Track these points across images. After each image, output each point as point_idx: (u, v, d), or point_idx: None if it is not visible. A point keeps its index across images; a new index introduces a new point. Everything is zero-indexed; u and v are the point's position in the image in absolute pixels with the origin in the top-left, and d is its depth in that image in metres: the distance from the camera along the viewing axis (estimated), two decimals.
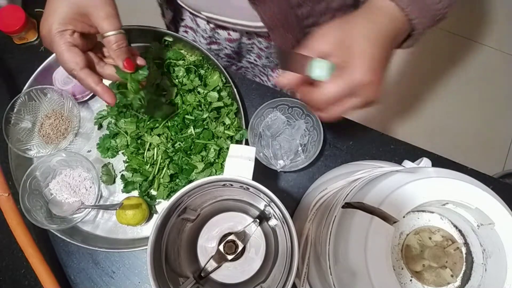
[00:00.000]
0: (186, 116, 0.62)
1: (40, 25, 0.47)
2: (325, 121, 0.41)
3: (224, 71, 0.63)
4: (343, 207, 0.45)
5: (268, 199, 0.43)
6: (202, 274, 0.50)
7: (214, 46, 0.72)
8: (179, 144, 0.61)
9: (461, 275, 0.44)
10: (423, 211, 0.47)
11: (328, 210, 0.49)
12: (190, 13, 0.66)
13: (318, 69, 0.39)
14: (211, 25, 0.65)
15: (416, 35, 0.43)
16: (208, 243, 0.53)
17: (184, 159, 0.61)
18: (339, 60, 0.39)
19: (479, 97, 1.69)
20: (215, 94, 0.62)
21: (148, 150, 0.61)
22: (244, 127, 0.63)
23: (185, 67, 0.65)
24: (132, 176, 0.61)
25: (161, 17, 0.78)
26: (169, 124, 0.62)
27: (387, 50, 0.40)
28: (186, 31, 0.73)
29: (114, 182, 0.64)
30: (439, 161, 0.65)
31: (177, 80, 0.64)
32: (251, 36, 0.67)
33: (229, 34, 0.65)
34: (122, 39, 0.47)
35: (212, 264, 0.50)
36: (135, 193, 0.62)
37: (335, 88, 0.39)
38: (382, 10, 0.40)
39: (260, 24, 0.57)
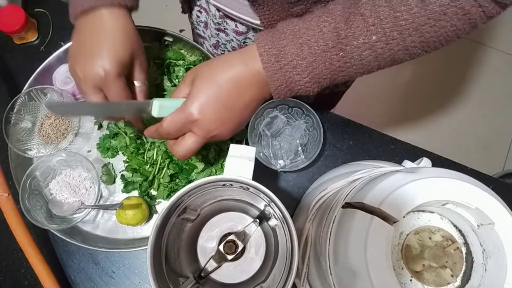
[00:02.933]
0: None
1: (82, 56, 0.46)
2: (181, 158, 0.45)
3: None
4: (343, 207, 0.45)
5: (268, 199, 0.43)
6: (202, 274, 0.50)
7: (222, 35, 0.71)
8: None
9: (461, 275, 0.44)
10: (423, 211, 0.47)
11: (328, 210, 0.49)
12: None
13: (157, 108, 0.43)
14: (220, 13, 0.65)
15: (274, 93, 0.42)
16: (208, 243, 0.53)
17: None
18: (187, 97, 0.42)
19: (479, 97, 1.69)
20: None
21: (148, 150, 0.61)
22: (244, 127, 0.63)
23: (185, 67, 0.65)
24: (132, 176, 0.61)
25: (161, 18, 0.78)
26: None
27: (234, 93, 0.41)
28: (200, 11, 0.73)
29: (114, 182, 0.64)
30: (439, 161, 0.65)
31: (177, 80, 0.64)
32: (258, 32, 0.67)
33: (236, 26, 0.65)
34: (147, 91, 0.52)
35: (212, 264, 0.50)
36: (135, 193, 0.62)
37: (169, 120, 0.42)
38: (246, 58, 0.41)
39: None
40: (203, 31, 0.78)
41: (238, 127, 0.44)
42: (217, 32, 0.72)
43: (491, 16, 0.37)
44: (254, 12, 0.53)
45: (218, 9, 0.64)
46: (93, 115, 0.45)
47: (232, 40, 0.71)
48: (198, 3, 0.71)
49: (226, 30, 0.69)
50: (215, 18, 0.68)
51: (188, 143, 0.43)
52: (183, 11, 0.74)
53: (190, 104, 0.41)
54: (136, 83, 0.51)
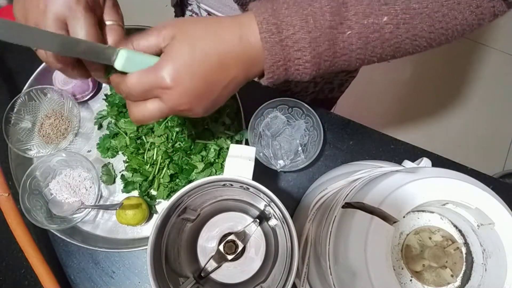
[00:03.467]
0: None
1: None
2: (135, 123, 0.38)
3: None
4: (343, 207, 0.45)
5: (268, 199, 0.43)
6: (202, 274, 0.50)
7: None
8: (179, 144, 0.61)
9: (461, 275, 0.44)
10: (423, 211, 0.47)
11: (328, 210, 0.49)
12: None
13: (123, 60, 0.36)
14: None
15: (268, 70, 0.36)
16: (208, 243, 0.53)
17: (184, 159, 0.61)
18: (162, 57, 0.36)
19: (479, 97, 1.69)
20: None
21: (148, 150, 0.61)
22: (244, 127, 0.63)
23: None
24: (132, 176, 0.61)
25: (161, 18, 0.78)
26: (169, 124, 0.62)
27: (217, 68, 0.35)
28: (192, 16, 0.73)
29: (114, 182, 0.64)
30: (439, 161, 0.65)
31: None
32: None
33: None
34: (122, 31, 0.42)
35: (212, 264, 0.50)
36: (135, 193, 0.63)
37: (135, 79, 0.35)
38: (240, 27, 0.35)
39: None
40: None
41: (212, 107, 0.38)
42: None
43: (498, 14, 0.37)
44: None
45: (209, 13, 0.64)
46: (41, 46, 0.35)
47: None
48: (189, 7, 0.71)
49: None
50: None
51: (149, 109, 0.36)
52: (176, 15, 0.75)
53: (164, 66, 0.34)
54: (108, 22, 0.41)
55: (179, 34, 0.35)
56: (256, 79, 0.39)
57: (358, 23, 0.35)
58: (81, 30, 0.36)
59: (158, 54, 0.37)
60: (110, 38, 0.40)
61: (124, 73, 0.37)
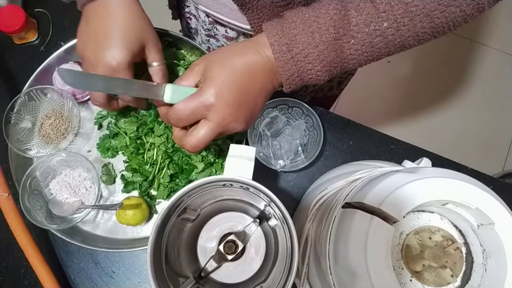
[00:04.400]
0: None
1: (92, 43, 0.46)
2: (192, 151, 0.43)
3: None
4: (343, 207, 0.45)
5: (268, 199, 0.43)
6: (202, 274, 0.50)
7: (213, 41, 0.72)
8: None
9: (461, 275, 0.44)
10: (423, 211, 0.47)
11: (328, 210, 0.49)
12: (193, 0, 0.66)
13: (170, 93, 0.42)
14: (210, 19, 0.65)
15: (285, 83, 0.42)
16: (208, 243, 0.53)
17: (184, 159, 0.61)
18: (201, 85, 0.41)
19: (479, 97, 1.69)
20: None
21: (148, 150, 0.61)
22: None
23: (185, 67, 0.65)
24: (132, 176, 0.61)
25: (161, 18, 0.78)
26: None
27: (247, 78, 0.40)
28: (189, 18, 0.73)
29: (114, 182, 0.64)
30: (439, 161, 0.65)
31: None
32: (248, 38, 0.67)
33: (226, 31, 0.65)
34: (165, 69, 0.52)
35: (212, 264, 0.50)
36: (135, 193, 0.62)
37: (182, 105, 0.40)
38: (257, 45, 0.41)
39: None
40: (193, 38, 0.78)
41: (252, 115, 0.43)
42: (207, 38, 0.72)
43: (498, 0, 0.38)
44: (244, 16, 0.52)
45: (208, 15, 0.64)
46: (104, 90, 0.44)
47: (223, 45, 0.71)
48: (187, 9, 0.71)
49: (216, 36, 0.69)
50: (205, 24, 0.67)
51: (201, 132, 0.41)
52: (173, 18, 0.75)
53: (206, 89, 0.39)
54: (154, 64, 0.50)
55: (209, 63, 0.41)
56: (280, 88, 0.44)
57: (361, 32, 0.39)
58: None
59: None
60: (157, 77, 0.51)
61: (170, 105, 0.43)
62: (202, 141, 0.41)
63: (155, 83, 0.43)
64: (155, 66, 0.50)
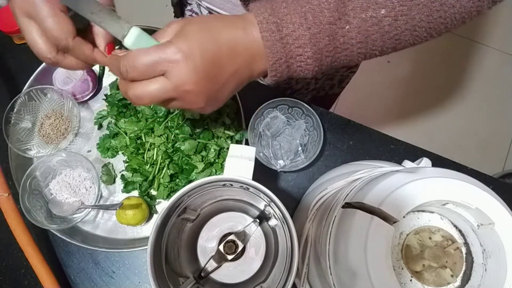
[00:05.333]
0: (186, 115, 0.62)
1: None
2: (135, 104, 0.36)
3: None
4: (343, 207, 0.45)
5: (268, 199, 0.43)
6: (202, 274, 0.50)
7: None
8: (179, 145, 0.61)
9: (461, 275, 0.44)
10: (423, 211, 0.47)
11: (328, 210, 0.49)
12: None
13: (134, 37, 0.36)
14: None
15: (270, 69, 0.37)
16: (208, 243, 0.53)
17: (184, 159, 0.61)
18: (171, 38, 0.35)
19: (479, 97, 1.69)
20: None
21: (148, 150, 0.61)
22: (244, 127, 0.63)
23: None
24: (132, 176, 0.61)
25: (161, 18, 0.78)
26: (169, 124, 0.62)
27: (227, 52, 0.35)
28: (191, 15, 0.73)
29: (114, 182, 0.64)
30: (439, 161, 0.65)
31: None
32: None
33: None
34: None
35: (212, 264, 0.50)
36: (135, 193, 0.63)
37: (141, 53, 0.33)
38: (245, 22, 0.36)
39: None
40: None
41: (215, 97, 0.37)
42: None
43: (496, 0, 0.37)
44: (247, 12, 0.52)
45: (210, 12, 0.64)
46: (80, 8, 0.36)
47: None
48: (189, 7, 0.71)
49: None
50: None
51: (152, 87, 0.34)
52: (176, 16, 0.75)
53: (176, 42, 0.33)
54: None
55: (187, 23, 0.35)
56: (260, 80, 0.39)
57: (357, 18, 0.35)
58: (46, 21, 0.36)
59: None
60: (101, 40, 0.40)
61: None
62: (149, 96, 0.35)
63: (121, 20, 0.36)
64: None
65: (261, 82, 0.80)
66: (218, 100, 0.38)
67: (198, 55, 0.33)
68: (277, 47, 0.35)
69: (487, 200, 0.40)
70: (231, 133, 0.62)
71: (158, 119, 0.62)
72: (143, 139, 0.62)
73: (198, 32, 0.34)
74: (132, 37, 0.36)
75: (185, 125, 0.61)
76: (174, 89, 0.34)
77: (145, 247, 0.52)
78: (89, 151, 0.66)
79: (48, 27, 0.36)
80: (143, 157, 0.61)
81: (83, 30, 0.40)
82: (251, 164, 0.43)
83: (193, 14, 0.72)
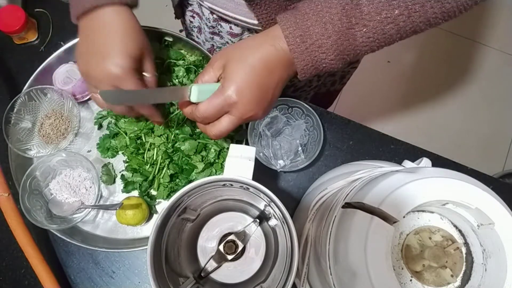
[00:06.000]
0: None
1: (93, 57, 0.47)
2: (214, 138, 0.46)
3: None
4: (343, 207, 0.45)
5: (268, 199, 0.43)
6: (202, 274, 0.50)
7: (217, 38, 0.72)
8: (179, 145, 0.61)
9: (461, 275, 0.44)
10: (423, 211, 0.47)
11: (328, 210, 0.49)
12: None
13: (196, 93, 0.44)
14: (214, 16, 0.65)
15: (300, 73, 0.43)
16: (208, 243, 0.53)
17: (184, 159, 0.61)
18: (221, 81, 0.44)
19: (479, 97, 1.69)
20: None
21: (148, 150, 0.61)
22: (244, 127, 0.63)
23: (185, 67, 0.65)
24: (132, 176, 0.61)
25: (160, 18, 0.77)
26: (169, 124, 0.62)
27: (265, 74, 0.42)
28: (193, 16, 0.73)
29: (114, 182, 0.64)
30: (439, 161, 0.65)
31: (177, 80, 0.64)
32: (253, 34, 0.67)
33: (231, 28, 0.65)
34: (156, 82, 0.54)
35: (212, 264, 0.50)
36: (135, 193, 0.62)
37: (206, 105, 0.43)
38: (273, 39, 0.42)
39: None
40: (197, 36, 0.78)
41: (270, 106, 0.45)
42: (211, 36, 0.72)
43: None
44: (251, 11, 0.53)
45: (212, 12, 0.64)
46: (140, 101, 0.49)
47: (227, 42, 0.71)
48: (190, 8, 0.71)
49: (220, 33, 0.69)
50: (209, 22, 0.67)
51: (223, 125, 0.44)
52: (176, 17, 0.75)
53: (228, 87, 0.42)
54: (147, 74, 0.52)
55: (228, 60, 0.43)
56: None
57: (372, 20, 0.40)
58: (131, 89, 0.48)
59: (214, 79, 0.45)
60: (151, 87, 0.52)
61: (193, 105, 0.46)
62: (224, 132, 0.45)
63: (181, 87, 0.46)
64: (149, 77, 0.52)
65: None
66: (271, 106, 0.46)
67: (247, 90, 0.42)
68: (304, 56, 0.41)
69: (487, 200, 0.40)
70: (231, 133, 0.62)
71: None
72: (143, 139, 0.62)
73: (239, 69, 0.42)
74: (196, 94, 0.44)
75: (185, 125, 0.61)
76: (239, 120, 0.44)
77: (145, 247, 0.52)
78: (89, 151, 0.66)
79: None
80: (143, 157, 0.61)
81: None
82: (251, 164, 0.43)
83: (194, 15, 0.72)
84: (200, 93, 0.44)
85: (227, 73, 0.43)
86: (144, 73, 0.52)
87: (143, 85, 0.50)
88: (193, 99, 0.44)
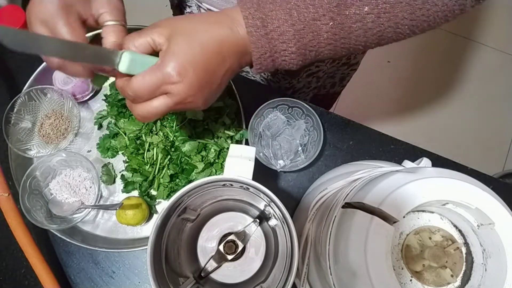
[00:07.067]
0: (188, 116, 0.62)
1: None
2: (140, 121, 0.39)
3: None
4: (343, 207, 0.45)
5: (268, 199, 0.43)
6: (202, 274, 0.50)
7: None
8: (180, 145, 0.61)
9: (461, 275, 0.44)
10: (423, 211, 0.47)
11: (328, 210, 0.49)
12: None
13: (127, 63, 0.36)
14: None
15: (256, 62, 0.39)
16: (208, 243, 0.53)
17: (184, 159, 0.61)
18: (161, 54, 0.37)
19: (479, 97, 1.69)
20: None
21: (148, 150, 0.61)
22: (244, 127, 0.63)
23: None
24: (132, 176, 0.61)
25: (160, 18, 0.77)
26: (169, 124, 0.62)
27: (215, 57, 0.37)
28: None
29: (114, 182, 0.64)
30: (439, 161, 0.65)
31: None
32: None
33: None
34: (124, 31, 0.40)
35: (212, 264, 0.50)
36: (135, 193, 0.63)
37: (141, 81, 0.36)
38: (232, 21, 0.37)
39: None
40: None
41: (212, 97, 0.40)
42: None
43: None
44: None
45: None
46: (49, 53, 0.36)
47: None
48: (188, 10, 0.71)
49: None
50: None
51: (155, 106, 0.37)
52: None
53: (168, 63, 0.35)
54: (111, 22, 0.39)
55: (174, 32, 0.36)
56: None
57: (340, 14, 0.36)
58: (59, 34, 0.37)
59: (154, 53, 0.38)
60: (112, 38, 0.39)
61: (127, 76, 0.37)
62: (154, 116, 0.38)
63: (111, 49, 0.37)
64: (110, 25, 0.39)
65: (262, 82, 0.80)
66: (215, 96, 0.40)
67: (191, 71, 0.36)
68: (262, 42, 0.37)
69: (487, 200, 0.40)
70: (231, 133, 0.62)
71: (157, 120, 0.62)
72: (143, 139, 0.62)
73: (186, 47, 0.36)
74: (126, 63, 0.36)
75: (185, 125, 0.61)
76: (175, 105, 0.37)
77: (145, 247, 0.52)
78: (89, 151, 0.66)
79: (61, 35, 0.37)
80: (143, 157, 0.61)
81: (95, 39, 0.41)
82: (251, 164, 0.43)
83: None
84: (132, 63, 0.36)
85: (170, 46, 0.36)
86: (108, 21, 0.39)
87: (81, 32, 0.38)
88: (122, 68, 0.36)
